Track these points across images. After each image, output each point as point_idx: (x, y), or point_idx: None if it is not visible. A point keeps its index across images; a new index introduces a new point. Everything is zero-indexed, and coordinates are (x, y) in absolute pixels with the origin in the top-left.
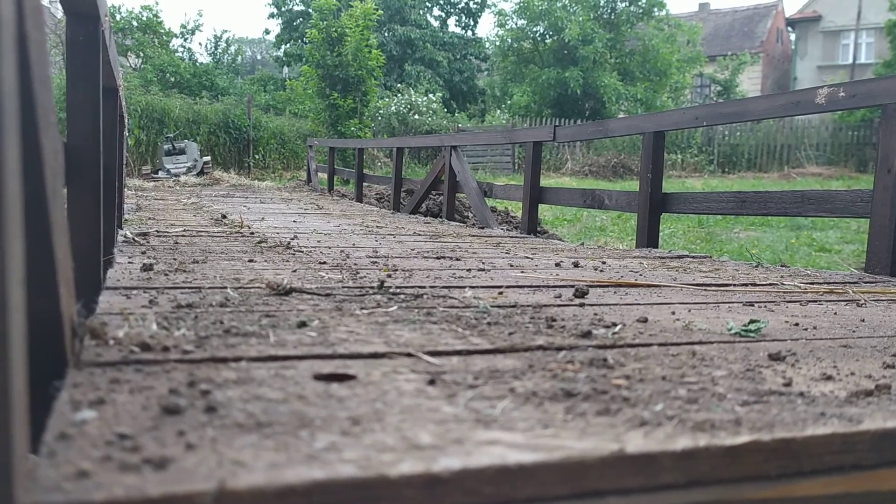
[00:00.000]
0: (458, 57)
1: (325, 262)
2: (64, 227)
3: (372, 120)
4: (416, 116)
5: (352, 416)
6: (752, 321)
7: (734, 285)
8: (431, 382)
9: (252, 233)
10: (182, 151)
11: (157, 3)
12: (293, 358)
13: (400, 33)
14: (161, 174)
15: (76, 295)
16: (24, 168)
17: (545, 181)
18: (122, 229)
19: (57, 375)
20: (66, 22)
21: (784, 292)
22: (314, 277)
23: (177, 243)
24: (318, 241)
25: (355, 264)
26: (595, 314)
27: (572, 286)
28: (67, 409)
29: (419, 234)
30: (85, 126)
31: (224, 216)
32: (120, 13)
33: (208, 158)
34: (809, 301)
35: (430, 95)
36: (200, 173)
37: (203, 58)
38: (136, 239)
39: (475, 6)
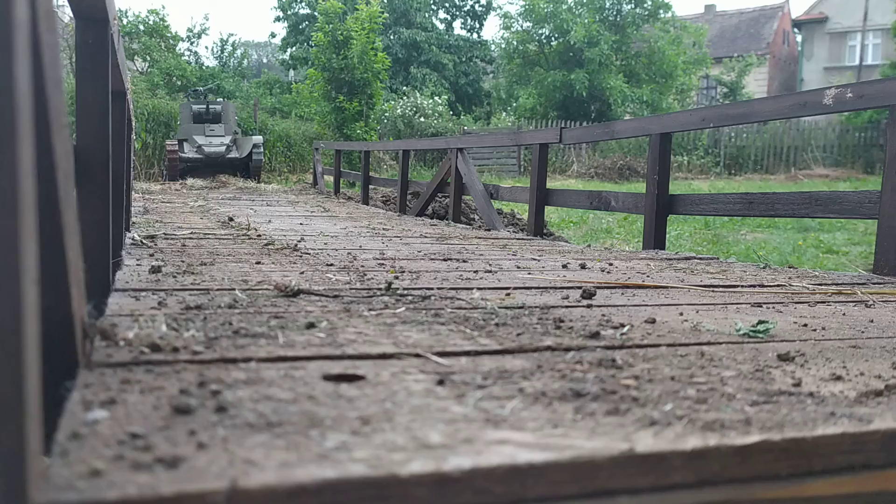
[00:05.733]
0: (464, 59)
1: (332, 264)
2: (75, 229)
3: (378, 123)
4: (422, 119)
5: (362, 416)
6: (760, 322)
7: (742, 286)
8: (440, 383)
9: (259, 235)
10: (217, 117)
11: (163, 7)
12: (302, 359)
13: (405, 36)
14: (187, 151)
15: (86, 296)
16: (37, 170)
17: (551, 183)
18: (129, 232)
19: (68, 376)
20: (76, 25)
21: (792, 293)
22: (322, 279)
23: (184, 246)
24: (325, 244)
25: (362, 266)
26: (603, 315)
27: (580, 287)
28: (79, 409)
29: (426, 237)
30: (94, 129)
31: (231, 219)
32: (127, 17)
33: (260, 140)
34: (818, 302)
35: (436, 98)
36: (247, 162)
37: (209, 61)
38: (143, 241)
39: (481, 9)
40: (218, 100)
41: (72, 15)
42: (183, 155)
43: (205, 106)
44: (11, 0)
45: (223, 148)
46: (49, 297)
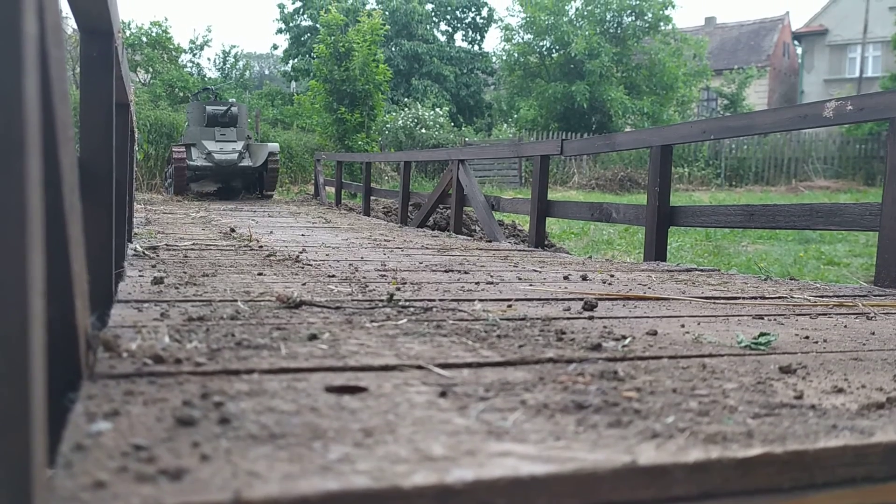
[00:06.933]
0: (465, 71)
1: (334, 276)
2: (80, 241)
3: (379, 134)
4: (423, 130)
5: (364, 428)
6: (761, 334)
7: (743, 298)
8: (443, 394)
9: (261, 246)
10: (233, 120)
11: (166, 19)
12: (305, 370)
13: (407, 48)
14: (195, 158)
15: (89, 308)
16: (44, 182)
17: (552, 195)
18: (131, 242)
19: (72, 387)
20: (81, 38)
21: (793, 305)
22: (324, 290)
23: (186, 257)
24: (327, 255)
25: (364, 277)
26: (604, 327)
27: (581, 299)
28: (83, 421)
29: (427, 248)
30: (98, 141)
31: (233, 230)
32: (130, 29)
33: (276, 147)
34: (819, 314)
35: (437, 109)
36: (261, 172)
37: (212, 73)
38: (146, 252)
39: (482, 21)
40: (231, 100)
41: (76, 27)
42: (190, 163)
43: (224, 107)
44: (21, 15)
45: (235, 155)
46: (54, 309)
